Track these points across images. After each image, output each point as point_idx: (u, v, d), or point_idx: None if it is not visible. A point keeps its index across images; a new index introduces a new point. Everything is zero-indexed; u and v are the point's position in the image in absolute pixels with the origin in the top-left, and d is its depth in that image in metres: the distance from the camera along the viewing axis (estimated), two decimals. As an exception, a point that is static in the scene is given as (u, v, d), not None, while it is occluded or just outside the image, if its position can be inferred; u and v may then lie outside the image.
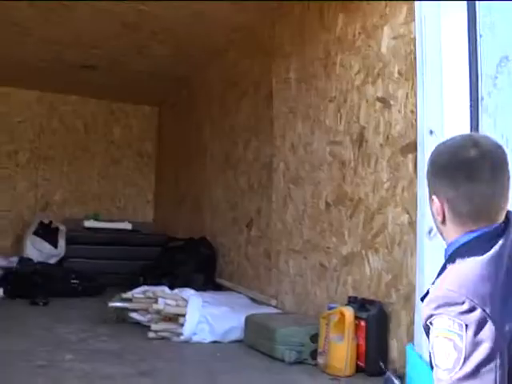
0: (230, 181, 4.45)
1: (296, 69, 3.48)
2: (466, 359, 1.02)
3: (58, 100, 6.14)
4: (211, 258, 4.57)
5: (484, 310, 1.03)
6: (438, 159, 1.23)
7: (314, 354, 2.63)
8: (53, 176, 6.09)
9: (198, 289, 4.14)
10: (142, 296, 3.56)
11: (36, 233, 5.30)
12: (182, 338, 3.14)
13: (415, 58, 2.31)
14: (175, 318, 3.25)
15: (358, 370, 2.48)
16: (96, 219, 5.83)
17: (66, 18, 4.00)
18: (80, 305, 4.19)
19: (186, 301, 3.30)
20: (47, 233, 5.36)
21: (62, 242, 5.39)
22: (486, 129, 2.32)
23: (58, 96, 6.11)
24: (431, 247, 2.02)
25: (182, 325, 3.17)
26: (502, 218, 1.16)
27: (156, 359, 2.73)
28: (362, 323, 2.49)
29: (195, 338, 3.15)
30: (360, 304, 2.56)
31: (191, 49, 4.55)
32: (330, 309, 2.64)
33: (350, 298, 2.68)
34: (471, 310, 1.04)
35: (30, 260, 4.89)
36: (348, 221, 2.85)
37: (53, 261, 5.21)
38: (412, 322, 2.20)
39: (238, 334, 3.15)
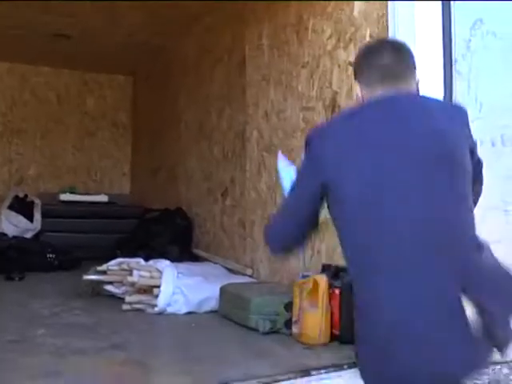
0: (204, 150, 4.35)
1: (268, 35, 3.37)
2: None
3: (30, 71, 5.94)
4: (187, 228, 4.50)
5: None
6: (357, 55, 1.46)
7: (288, 324, 2.58)
8: (26, 150, 5.92)
9: (173, 260, 4.07)
10: (116, 268, 3.47)
11: (11, 207, 5.16)
12: (156, 309, 3.07)
13: (387, 21, 2.22)
14: (150, 290, 3.19)
15: (333, 338, 2.44)
16: (72, 192, 5.69)
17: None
18: (56, 279, 4.11)
19: (160, 272, 3.22)
20: (22, 207, 5.23)
21: (37, 216, 5.26)
22: (460, 91, 2.26)
23: (30, 67, 5.90)
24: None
25: (157, 296, 3.11)
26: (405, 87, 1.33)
27: (129, 332, 2.67)
28: (336, 291, 2.43)
29: (170, 310, 3.08)
30: (334, 272, 2.51)
31: (165, 16, 4.37)
32: (304, 277, 2.58)
33: (323, 265, 2.63)
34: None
35: (5, 235, 4.77)
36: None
37: (29, 235, 5.09)
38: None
39: (212, 304, 3.09)
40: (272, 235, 1.45)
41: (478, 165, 1.38)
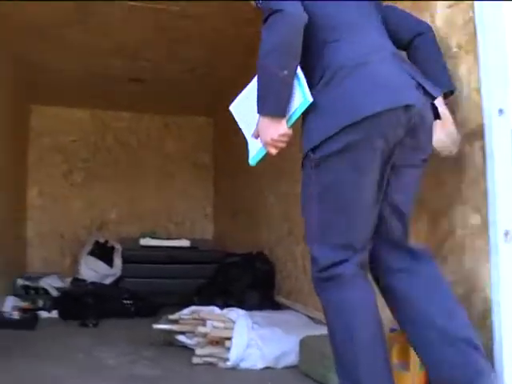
0: (282, 188, 4.14)
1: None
2: None
3: (111, 117, 6.10)
4: (268, 273, 4.25)
5: None
6: None
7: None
8: (107, 194, 6.01)
9: (253, 307, 3.86)
10: (189, 317, 3.30)
11: (91, 253, 5.21)
12: (228, 364, 2.83)
13: (475, 26, 1.93)
14: (222, 342, 2.97)
15: (426, 403, 2.08)
16: (153, 237, 5.67)
17: (102, 25, 3.90)
18: (130, 326, 4.00)
19: (234, 323, 3.00)
20: (103, 252, 5.26)
21: (117, 262, 5.27)
22: None
23: (110, 113, 6.06)
24: (508, 253, 1.62)
25: (229, 349, 2.88)
26: None
27: (194, 388, 2.46)
28: (431, 349, 2.08)
29: (244, 365, 2.83)
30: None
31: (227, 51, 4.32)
32: (393, 331, 2.25)
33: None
34: None
35: (83, 280, 4.79)
36: (411, 226, 2.46)
37: (109, 281, 5.09)
38: (490, 348, 1.79)
39: (291, 359, 2.81)
40: None
41: None
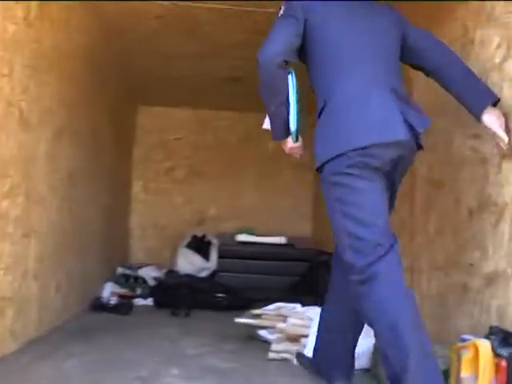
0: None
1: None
2: None
3: (212, 116, 6.31)
4: (357, 274, 4.19)
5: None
6: None
7: (446, 394, 2.14)
8: (208, 191, 6.22)
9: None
10: (272, 313, 3.35)
11: (188, 246, 5.44)
12: (302, 361, 2.85)
13: None
14: (299, 339, 2.98)
15: (498, 419, 1.95)
16: (249, 233, 5.79)
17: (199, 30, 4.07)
18: (219, 319, 4.10)
19: (312, 320, 3.01)
20: (200, 246, 5.47)
21: (213, 256, 5.45)
22: None
23: (211, 112, 6.27)
24: None
25: (305, 346, 2.89)
26: None
27: (261, 382, 2.49)
28: (503, 363, 1.95)
29: (318, 363, 2.84)
30: (502, 338, 2.02)
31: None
32: (463, 341, 2.14)
33: (491, 328, 2.14)
34: None
35: (177, 272, 5.01)
36: (492, 231, 2.32)
37: (204, 274, 5.28)
38: None
39: (365, 362, 2.75)
40: None
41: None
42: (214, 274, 5.37)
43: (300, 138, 2.20)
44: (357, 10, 2.14)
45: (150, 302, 4.53)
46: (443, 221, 2.84)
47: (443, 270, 2.79)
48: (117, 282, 4.62)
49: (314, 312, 3.09)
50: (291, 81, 2.11)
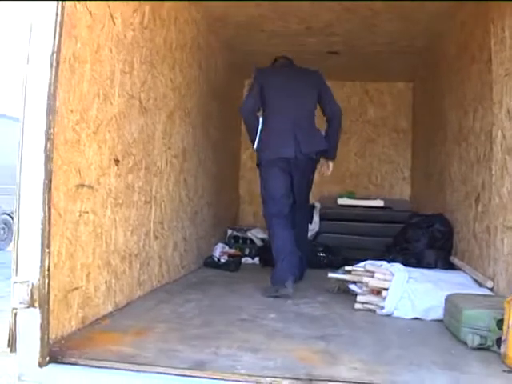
0: (463, 153, 4.18)
1: (509, 26, 3.10)
2: None
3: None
4: (444, 234, 4.36)
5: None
6: None
7: (499, 342, 2.39)
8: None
9: (429, 266, 4.08)
10: (361, 269, 3.68)
11: (293, 209, 5.83)
12: (383, 311, 3.18)
13: None
14: (381, 292, 3.30)
15: (544, 364, 2.18)
16: (350, 197, 6.08)
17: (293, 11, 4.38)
18: (320, 276, 4.43)
19: (393, 276, 3.31)
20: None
21: (316, 218, 5.81)
22: None
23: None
24: None
25: (385, 298, 3.21)
26: None
27: (346, 327, 2.85)
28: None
29: (397, 313, 3.15)
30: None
31: (419, 19, 4.40)
32: (517, 296, 2.35)
33: (544, 281, 2.35)
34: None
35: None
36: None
37: (308, 235, 5.67)
38: None
39: (440, 313, 3.02)
40: None
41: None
42: (316, 234, 5.74)
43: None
44: (291, 75, 4.07)
45: (256, 260, 5.03)
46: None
47: (515, 231, 2.95)
48: (227, 243, 5.16)
49: (397, 268, 3.39)
50: (261, 121, 3.99)
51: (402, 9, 4.16)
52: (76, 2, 2.33)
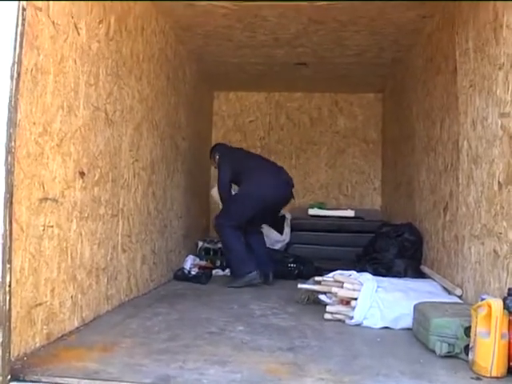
0: (431, 163, 4.26)
1: (472, 37, 3.19)
2: None
3: (284, 98, 6.67)
4: (414, 243, 4.43)
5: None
6: None
7: (467, 349, 2.43)
8: (282, 169, 6.61)
9: (398, 275, 4.14)
10: (331, 279, 3.70)
11: (264, 221, 5.84)
12: (352, 321, 3.20)
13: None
14: (350, 302, 3.33)
15: (510, 372, 2.22)
16: (320, 208, 6.13)
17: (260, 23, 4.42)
18: (290, 286, 4.47)
19: (361, 285, 3.34)
20: (275, 221, 5.87)
21: (287, 229, 5.86)
22: None
23: (284, 94, 6.62)
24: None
25: (354, 308, 3.23)
26: None
27: (314, 338, 2.85)
28: (514, 319, 2.21)
29: (366, 323, 3.18)
30: (517, 297, 2.28)
31: (387, 33, 4.49)
32: (482, 300, 2.40)
33: (510, 289, 2.39)
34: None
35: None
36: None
37: (278, 246, 5.70)
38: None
39: (409, 322, 3.06)
40: None
41: None
42: (287, 245, 5.77)
43: None
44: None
45: (227, 272, 5.02)
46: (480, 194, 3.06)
47: (480, 239, 3.02)
48: (198, 255, 5.15)
49: (366, 277, 3.43)
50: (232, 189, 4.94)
51: (371, 21, 4.24)
52: (39, 11, 2.31)
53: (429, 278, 4.01)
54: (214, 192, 5.33)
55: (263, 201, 4.65)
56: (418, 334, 2.83)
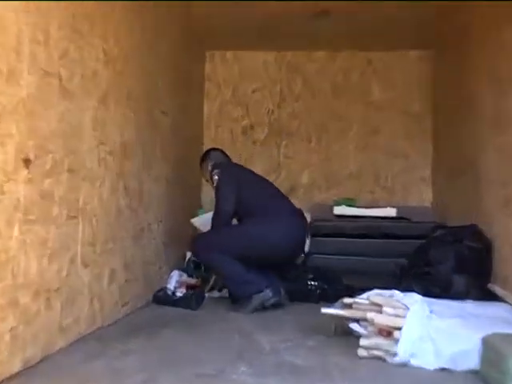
0: (502, 143, 4.19)
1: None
2: None
3: (300, 58, 6.61)
4: (479, 253, 4.34)
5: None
6: None
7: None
8: (298, 153, 6.58)
9: (458, 297, 4.05)
10: (365, 302, 3.62)
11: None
12: (396, 359, 3.13)
13: None
14: (392, 332, 3.26)
15: None
16: (349, 205, 6.06)
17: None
18: (309, 311, 4.42)
19: (407, 310, 3.27)
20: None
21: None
22: None
23: (298, 54, 6.57)
24: None
25: (398, 341, 3.16)
26: None
27: (344, 382, 2.80)
28: None
29: (415, 362, 3.09)
30: None
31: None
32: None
33: None
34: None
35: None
36: None
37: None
38: None
39: (473, 361, 2.97)
40: None
41: None
42: (306, 256, 5.69)
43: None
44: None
45: (225, 293, 4.96)
46: None
47: None
48: (185, 270, 5.09)
49: (413, 299, 3.35)
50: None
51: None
52: None
53: (501, 300, 3.95)
54: (199, 221, 5.35)
55: (275, 251, 4.67)
56: (488, 377, 2.77)
